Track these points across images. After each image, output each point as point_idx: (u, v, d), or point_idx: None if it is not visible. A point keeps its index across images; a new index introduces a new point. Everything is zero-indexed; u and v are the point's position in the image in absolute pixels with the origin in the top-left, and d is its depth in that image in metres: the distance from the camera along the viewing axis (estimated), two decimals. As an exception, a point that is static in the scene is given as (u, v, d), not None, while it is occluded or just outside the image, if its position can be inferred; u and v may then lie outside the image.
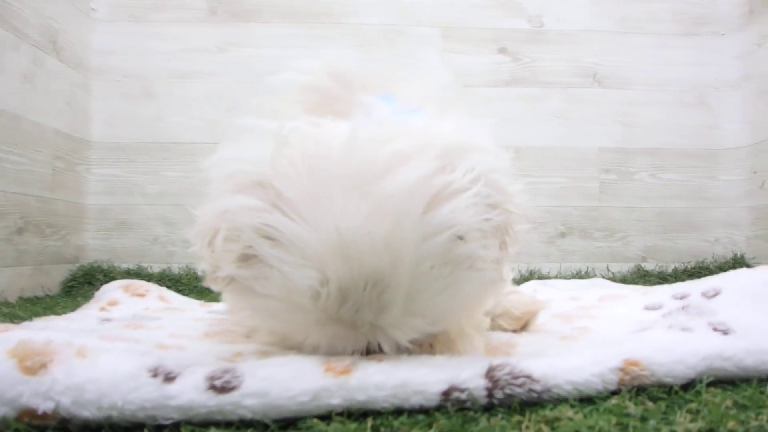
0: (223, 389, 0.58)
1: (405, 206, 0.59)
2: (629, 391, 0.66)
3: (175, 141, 2.45)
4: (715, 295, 1.20)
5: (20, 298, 1.88)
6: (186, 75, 2.47)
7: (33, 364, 0.58)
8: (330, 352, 0.68)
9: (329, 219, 0.58)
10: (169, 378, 0.58)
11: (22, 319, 1.26)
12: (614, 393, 0.66)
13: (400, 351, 0.68)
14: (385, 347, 0.66)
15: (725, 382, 0.72)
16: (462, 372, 0.62)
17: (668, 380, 0.68)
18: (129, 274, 2.27)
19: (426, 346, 0.75)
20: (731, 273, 1.31)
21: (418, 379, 0.61)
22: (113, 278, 2.22)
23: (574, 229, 2.51)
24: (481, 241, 0.64)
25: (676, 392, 0.67)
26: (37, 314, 1.39)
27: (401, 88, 0.77)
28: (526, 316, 1.05)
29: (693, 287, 1.30)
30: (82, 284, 2.21)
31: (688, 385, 0.69)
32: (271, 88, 0.77)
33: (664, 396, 0.66)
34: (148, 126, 2.45)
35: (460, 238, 0.62)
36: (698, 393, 0.67)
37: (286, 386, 0.59)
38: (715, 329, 0.80)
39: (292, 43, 2.49)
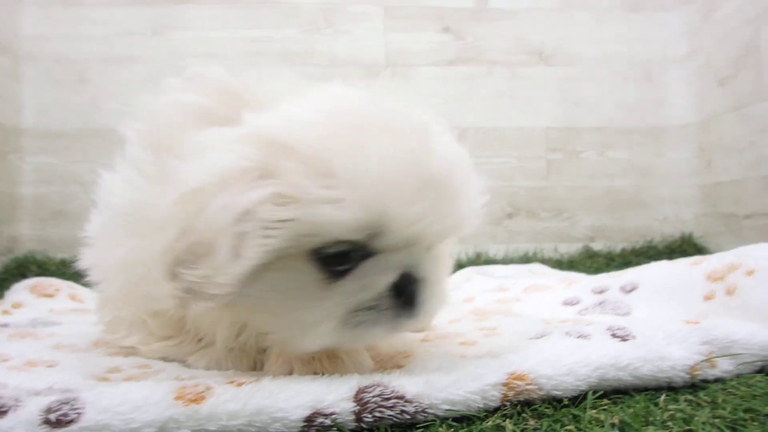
0: (59, 423, 0.55)
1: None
2: (514, 408, 0.62)
3: (111, 128, 2.39)
4: (632, 290, 1.20)
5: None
6: (120, 60, 2.40)
7: None
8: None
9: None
10: (0, 412, 0.55)
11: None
12: (498, 409, 0.61)
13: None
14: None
15: (621, 392, 0.68)
16: (327, 395, 0.58)
17: (557, 393, 0.64)
18: (64, 264, 2.22)
19: (308, 363, 0.70)
20: (651, 266, 1.29)
21: (278, 405, 0.57)
22: (48, 269, 2.18)
23: (521, 209, 2.48)
24: None
25: (565, 405, 0.63)
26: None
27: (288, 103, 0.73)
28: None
29: (612, 281, 1.28)
30: (16, 276, 2.14)
31: (580, 398, 0.64)
32: (156, 109, 0.75)
33: (549, 412, 0.61)
34: (83, 113, 2.38)
35: None
36: (585, 408, 0.62)
37: (129, 418, 0.55)
38: (614, 335, 0.76)
39: (229, 24, 2.42)
